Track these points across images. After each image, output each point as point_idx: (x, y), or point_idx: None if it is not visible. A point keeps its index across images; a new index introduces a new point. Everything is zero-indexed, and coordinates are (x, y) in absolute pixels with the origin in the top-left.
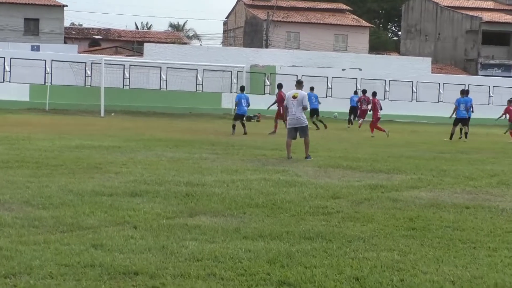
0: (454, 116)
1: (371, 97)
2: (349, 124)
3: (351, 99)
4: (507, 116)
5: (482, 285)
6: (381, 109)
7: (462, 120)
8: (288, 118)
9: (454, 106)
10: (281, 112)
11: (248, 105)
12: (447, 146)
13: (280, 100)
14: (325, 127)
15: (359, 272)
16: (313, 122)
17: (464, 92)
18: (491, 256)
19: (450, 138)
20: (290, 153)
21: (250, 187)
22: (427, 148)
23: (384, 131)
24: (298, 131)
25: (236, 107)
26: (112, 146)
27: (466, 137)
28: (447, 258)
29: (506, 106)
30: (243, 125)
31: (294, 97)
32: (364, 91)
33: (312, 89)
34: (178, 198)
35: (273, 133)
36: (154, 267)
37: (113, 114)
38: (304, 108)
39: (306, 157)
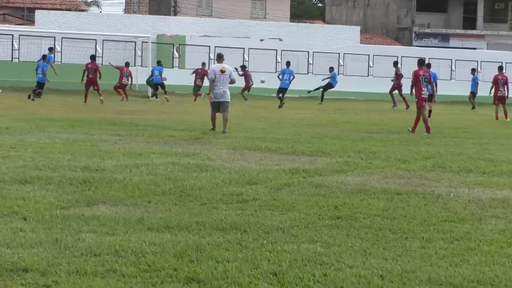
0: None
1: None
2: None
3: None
4: None
5: (414, 279)
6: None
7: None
8: (213, 91)
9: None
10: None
11: (293, 77)
12: (376, 125)
13: (88, 71)
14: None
15: (278, 267)
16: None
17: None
18: (424, 248)
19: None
20: (215, 125)
21: (156, 173)
22: (355, 128)
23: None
24: (221, 105)
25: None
26: None
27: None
28: (376, 250)
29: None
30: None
31: (222, 71)
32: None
33: (288, 64)
34: (74, 185)
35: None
36: (46, 263)
37: (0, 91)
38: (232, 82)
39: (223, 131)
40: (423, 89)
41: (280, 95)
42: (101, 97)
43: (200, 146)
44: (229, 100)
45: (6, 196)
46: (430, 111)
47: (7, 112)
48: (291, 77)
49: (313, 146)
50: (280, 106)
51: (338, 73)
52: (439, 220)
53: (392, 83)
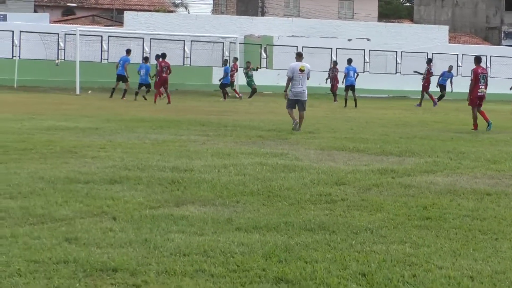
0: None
1: None
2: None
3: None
4: None
5: (505, 281)
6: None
7: None
8: (292, 89)
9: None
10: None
11: (357, 75)
12: (465, 125)
13: (161, 70)
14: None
15: (366, 267)
16: (346, 99)
17: None
18: None
19: None
20: (295, 117)
21: (244, 173)
22: (444, 128)
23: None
24: (298, 103)
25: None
26: (88, 127)
27: None
28: (465, 251)
29: None
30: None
31: (301, 70)
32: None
33: (350, 61)
34: (162, 186)
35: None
36: (135, 263)
37: (90, 91)
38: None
39: (298, 128)
40: (480, 87)
41: (351, 93)
42: (166, 98)
43: (288, 147)
44: (307, 99)
45: (96, 196)
46: None
47: (97, 112)
48: (356, 74)
49: (402, 146)
50: (355, 106)
51: None
52: None
53: (422, 81)
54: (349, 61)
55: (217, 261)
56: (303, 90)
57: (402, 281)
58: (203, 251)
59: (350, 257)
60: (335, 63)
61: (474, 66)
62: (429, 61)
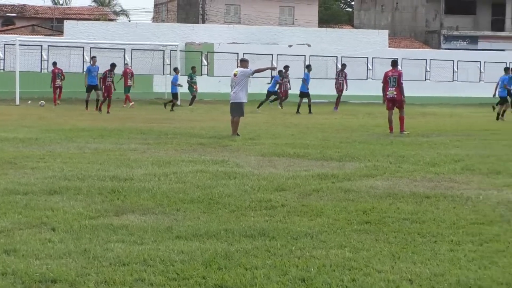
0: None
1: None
2: None
3: None
4: None
5: (443, 283)
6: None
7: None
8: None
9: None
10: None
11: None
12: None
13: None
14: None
15: (306, 273)
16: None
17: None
18: (453, 251)
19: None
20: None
21: (185, 181)
22: (384, 132)
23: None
24: (230, 107)
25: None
26: (28, 138)
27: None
28: (405, 254)
29: None
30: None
31: (234, 74)
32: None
33: (307, 68)
34: (102, 195)
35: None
36: (74, 273)
37: (29, 101)
38: (255, 72)
39: (231, 134)
40: (389, 89)
41: (306, 100)
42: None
43: (229, 154)
44: (237, 101)
45: (35, 207)
46: (504, 112)
47: (36, 123)
48: (302, 80)
49: (342, 151)
50: (298, 111)
51: (367, 77)
52: (468, 222)
53: (342, 86)
54: (307, 68)
55: (157, 270)
56: (233, 92)
57: (341, 286)
58: (143, 260)
59: (290, 262)
60: (286, 67)
61: (413, 70)
62: (344, 66)
